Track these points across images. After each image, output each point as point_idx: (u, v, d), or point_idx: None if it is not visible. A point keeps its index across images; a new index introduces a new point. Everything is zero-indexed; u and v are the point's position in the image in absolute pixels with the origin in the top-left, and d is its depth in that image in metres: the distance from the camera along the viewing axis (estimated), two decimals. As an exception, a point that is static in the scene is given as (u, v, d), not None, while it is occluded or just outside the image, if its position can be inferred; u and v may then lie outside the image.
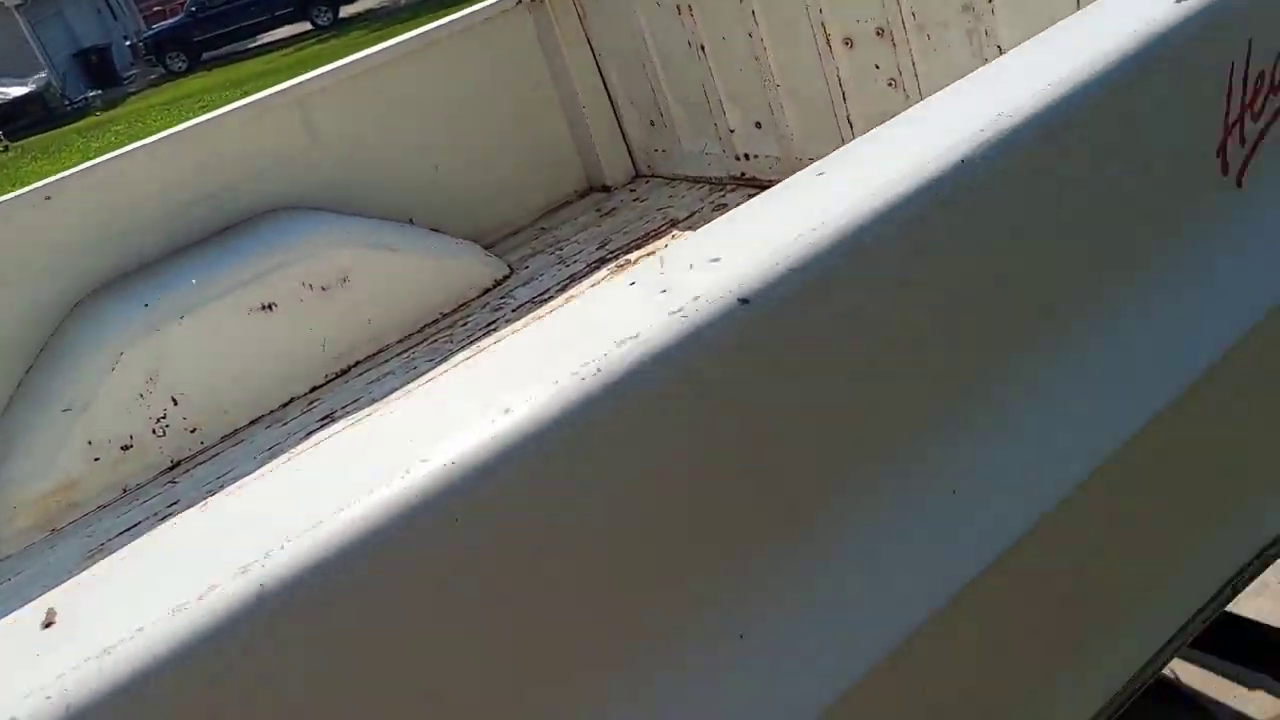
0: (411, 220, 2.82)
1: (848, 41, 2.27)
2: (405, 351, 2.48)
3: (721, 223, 0.88)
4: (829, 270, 0.78)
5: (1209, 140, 1.02)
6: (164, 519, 2.07)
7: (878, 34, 2.18)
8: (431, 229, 2.84)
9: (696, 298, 0.75)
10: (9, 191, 2.49)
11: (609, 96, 3.00)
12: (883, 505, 0.82)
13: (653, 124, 2.94)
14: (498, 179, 2.94)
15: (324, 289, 2.43)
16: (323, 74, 2.69)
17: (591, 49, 2.94)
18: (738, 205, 0.89)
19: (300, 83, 2.67)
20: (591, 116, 3.00)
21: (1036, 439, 0.90)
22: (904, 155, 0.86)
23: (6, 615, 0.63)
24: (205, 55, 21.27)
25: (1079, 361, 0.93)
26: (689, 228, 2.59)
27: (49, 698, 0.54)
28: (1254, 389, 1.04)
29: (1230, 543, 1.06)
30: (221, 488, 2.03)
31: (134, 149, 2.49)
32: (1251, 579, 1.07)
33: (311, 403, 2.38)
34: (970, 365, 0.88)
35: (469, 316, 2.56)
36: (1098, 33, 1.00)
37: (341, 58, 2.78)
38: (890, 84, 2.20)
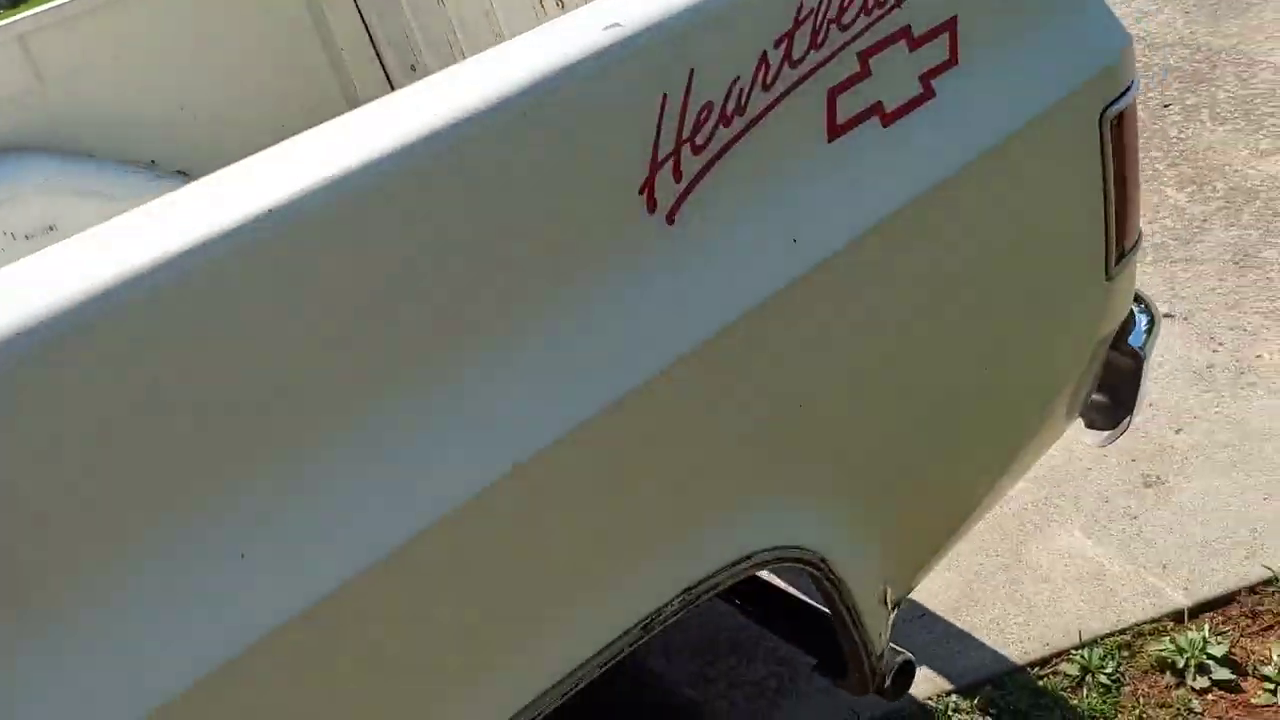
0: (154, 162, 2.71)
1: (560, 2, 2.20)
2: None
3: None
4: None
5: (634, 176, 0.98)
6: None
7: (583, -4, 2.11)
8: (178, 172, 2.74)
9: None
10: None
11: (370, 39, 2.89)
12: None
13: (413, 69, 2.84)
14: (253, 121, 2.83)
15: (28, 238, 2.34)
16: (47, 10, 2.54)
17: (348, -11, 2.83)
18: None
19: (21, 19, 2.52)
20: (352, 59, 2.89)
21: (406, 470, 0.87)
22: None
23: None
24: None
25: (465, 394, 0.90)
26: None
27: None
28: (686, 421, 1.02)
29: (661, 568, 1.05)
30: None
31: None
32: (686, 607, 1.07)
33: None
34: (300, 429, 0.84)
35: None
36: (510, 61, 0.95)
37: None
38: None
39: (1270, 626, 2.06)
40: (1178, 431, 2.49)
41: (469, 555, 0.89)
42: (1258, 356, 2.63)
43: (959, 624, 2.19)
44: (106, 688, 0.73)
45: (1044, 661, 2.09)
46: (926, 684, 2.09)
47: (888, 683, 1.43)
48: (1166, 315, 2.82)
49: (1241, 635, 2.05)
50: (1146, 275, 2.98)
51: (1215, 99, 3.74)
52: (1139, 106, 3.73)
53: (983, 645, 2.14)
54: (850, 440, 1.17)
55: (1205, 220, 3.16)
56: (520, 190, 0.92)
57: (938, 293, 1.20)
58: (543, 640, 0.96)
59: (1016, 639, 2.13)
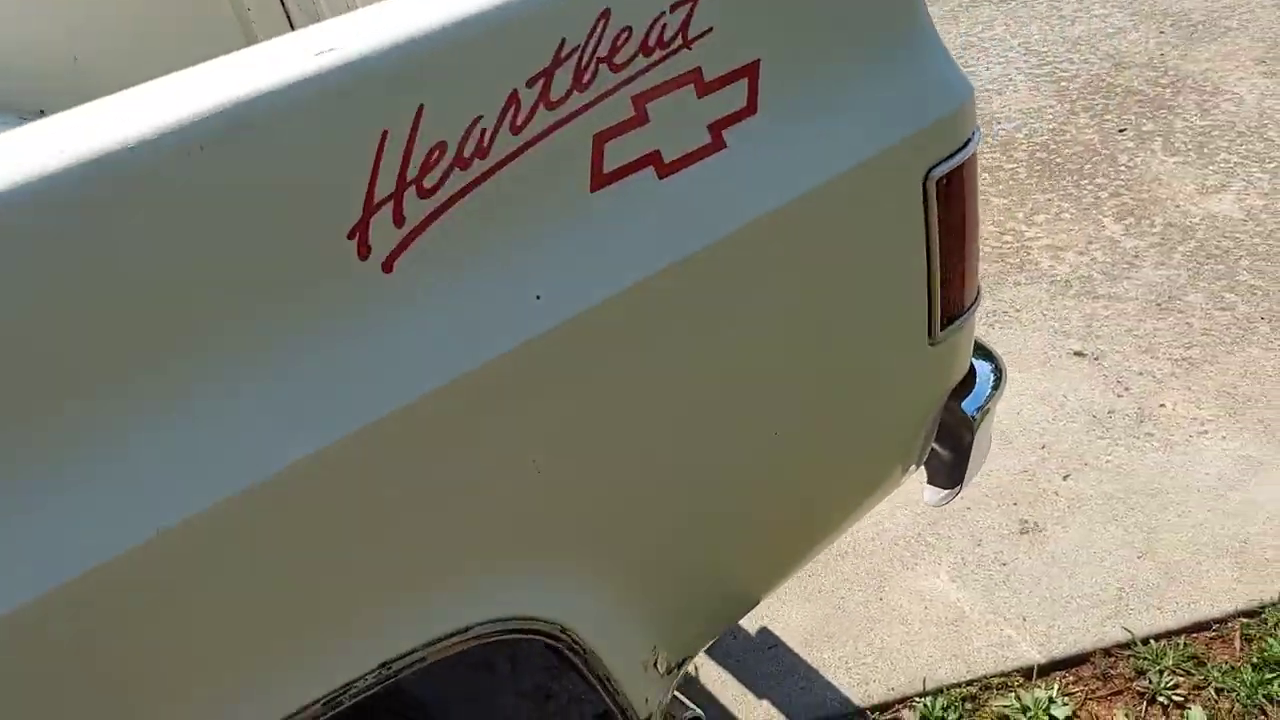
0: (43, 112, 2.62)
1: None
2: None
3: None
4: None
5: (342, 219, 0.89)
6: None
7: None
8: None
9: None
10: None
11: (285, 12, 2.78)
12: None
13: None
14: (151, 76, 2.72)
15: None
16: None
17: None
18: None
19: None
20: (258, 16, 2.77)
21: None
22: None
23: None
24: None
25: (114, 445, 0.82)
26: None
27: None
28: (389, 485, 0.94)
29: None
30: None
31: None
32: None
33: None
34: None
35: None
36: (198, 85, 0.86)
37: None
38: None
39: (1119, 692, 2.01)
40: (1065, 478, 2.42)
41: (108, 621, 0.82)
42: (1160, 406, 2.57)
43: (809, 659, 2.13)
44: None
45: (886, 706, 2.04)
46: (766, 718, 2.04)
47: (670, 739, 1.38)
48: (1078, 354, 2.75)
49: (1088, 698, 2.00)
50: (1067, 309, 2.91)
51: (1172, 128, 3.64)
52: (1092, 128, 3.63)
53: (829, 684, 2.08)
54: (600, 511, 1.10)
55: (1137, 256, 3.08)
56: (195, 228, 0.83)
57: (712, 356, 1.12)
58: (203, 711, 0.89)
59: (862, 680, 2.08)
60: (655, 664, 1.28)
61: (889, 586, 2.24)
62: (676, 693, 1.41)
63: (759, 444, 1.22)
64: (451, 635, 1.02)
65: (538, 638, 1.09)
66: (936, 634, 2.13)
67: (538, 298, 0.99)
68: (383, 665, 0.98)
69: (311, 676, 0.94)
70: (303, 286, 0.89)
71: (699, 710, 1.42)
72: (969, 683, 2.05)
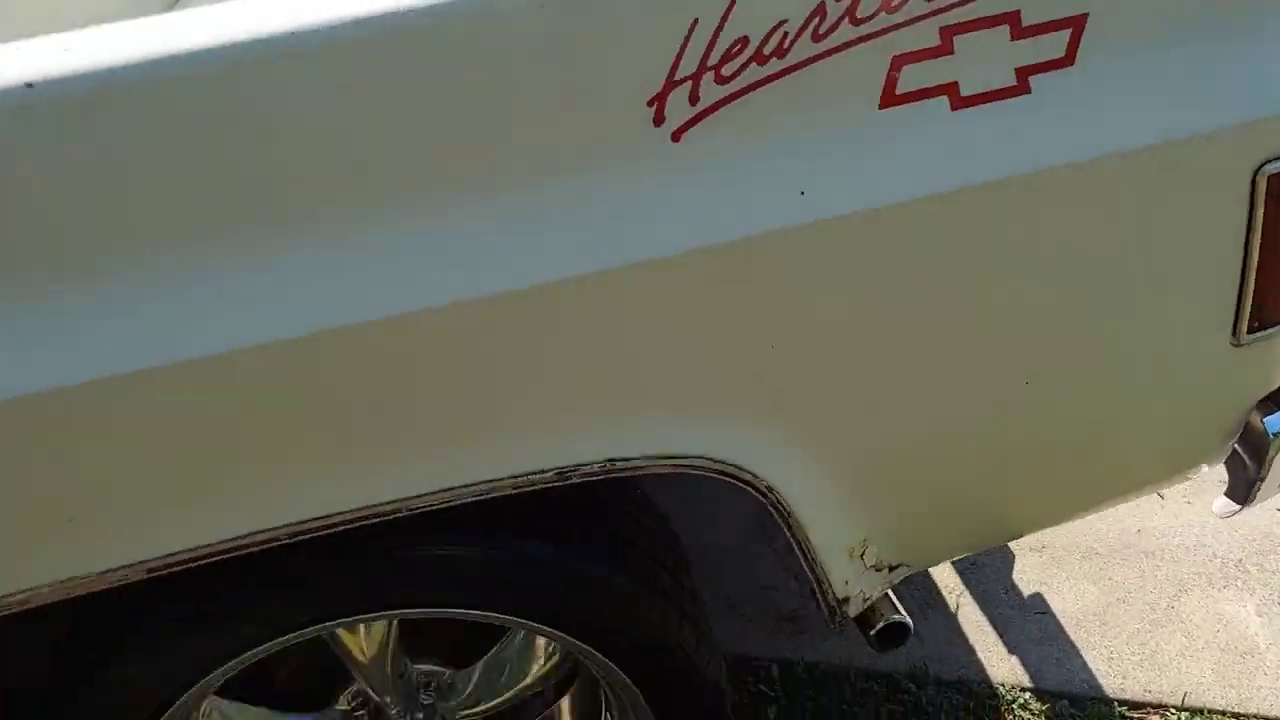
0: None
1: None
2: None
3: None
4: None
5: (646, 86, 1.05)
6: None
7: None
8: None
9: None
10: None
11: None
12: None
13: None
14: None
15: None
16: None
17: None
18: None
19: None
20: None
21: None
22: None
23: None
24: None
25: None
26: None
27: None
28: (650, 320, 1.10)
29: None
30: None
31: None
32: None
33: None
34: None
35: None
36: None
37: None
38: None
39: None
40: None
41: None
42: None
43: (1074, 637, 2.10)
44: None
45: (1137, 705, 1.99)
46: (1009, 672, 2.06)
47: (872, 633, 1.47)
48: None
49: (1368, 779, 1.83)
50: None
51: None
52: None
53: (1085, 665, 2.05)
54: (828, 399, 1.19)
55: None
56: (514, 73, 1.01)
57: (969, 291, 1.17)
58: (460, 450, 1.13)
59: (1121, 673, 2.02)
60: (863, 555, 1.38)
61: (1186, 598, 2.13)
62: (891, 594, 1.50)
63: (1011, 385, 1.26)
64: (669, 458, 1.19)
65: (745, 487, 1.24)
66: (1219, 658, 2.02)
67: (802, 193, 1.10)
68: (609, 460, 1.17)
69: (560, 449, 1.15)
70: (602, 135, 1.06)
71: (908, 619, 1.49)
72: (1235, 715, 1.93)
